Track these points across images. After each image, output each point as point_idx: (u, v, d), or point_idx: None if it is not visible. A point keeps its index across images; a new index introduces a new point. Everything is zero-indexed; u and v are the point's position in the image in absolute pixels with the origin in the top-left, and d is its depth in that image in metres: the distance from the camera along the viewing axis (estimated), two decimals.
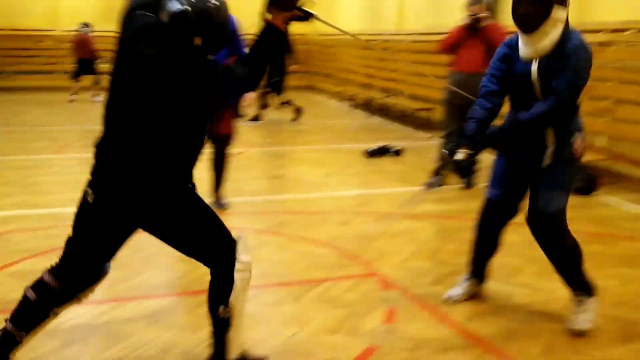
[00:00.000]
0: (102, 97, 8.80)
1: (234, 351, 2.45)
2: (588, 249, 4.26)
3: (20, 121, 10.28)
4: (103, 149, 2.33)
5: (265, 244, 4.46)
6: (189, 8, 2.14)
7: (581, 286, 3.16)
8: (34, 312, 2.43)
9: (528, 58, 2.94)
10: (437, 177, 6.15)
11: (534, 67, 2.92)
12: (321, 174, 6.82)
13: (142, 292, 3.60)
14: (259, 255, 4.17)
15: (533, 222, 3.10)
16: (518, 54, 3.01)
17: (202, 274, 2.74)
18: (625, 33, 6.24)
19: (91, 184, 2.35)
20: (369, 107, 12.09)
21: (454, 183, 6.11)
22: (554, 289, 3.50)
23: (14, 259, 4.11)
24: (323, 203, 5.62)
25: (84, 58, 12.77)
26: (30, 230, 4.76)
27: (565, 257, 3.12)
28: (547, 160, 3.02)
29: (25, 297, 2.44)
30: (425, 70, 10.09)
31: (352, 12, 14.57)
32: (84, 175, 2.40)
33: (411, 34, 11.27)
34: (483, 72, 5.67)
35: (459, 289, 3.51)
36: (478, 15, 5.71)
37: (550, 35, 2.86)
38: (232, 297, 2.36)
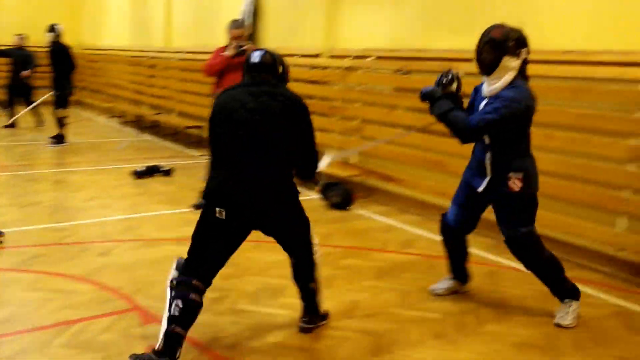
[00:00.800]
0: None
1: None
2: (344, 263, 4.63)
3: None
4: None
5: (12, 283, 4.01)
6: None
7: (567, 293, 3.69)
8: (195, 312, 3.00)
9: (486, 95, 3.51)
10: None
11: (484, 102, 3.50)
12: (83, 199, 6.39)
13: None
14: (4, 298, 3.76)
15: (508, 246, 3.67)
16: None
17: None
18: (367, 60, 6.81)
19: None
20: (139, 124, 11.68)
21: None
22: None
23: None
24: (83, 232, 5.24)
25: None
26: None
27: (545, 270, 3.67)
28: (483, 186, 3.60)
29: (189, 301, 2.97)
30: (193, 88, 10.05)
31: (122, 28, 14.01)
32: None
33: (179, 52, 11.12)
34: None
35: (443, 284, 4.05)
36: (243, 47, 5.88)
37: (502, 80, 3.40)
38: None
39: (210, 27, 9.94)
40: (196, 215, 3.26)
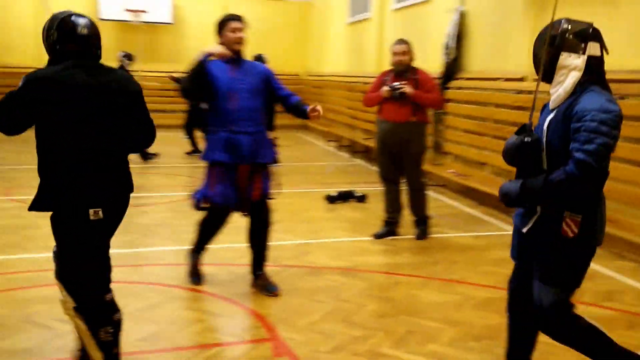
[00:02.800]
0: None
1: None
2: None
3: None
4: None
5: (169, 299, 4.23)
6: None
7: None
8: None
9: (552, 107, 2.70)
10: (387, 228, 5.91)
11: (550, 117, 2.66)
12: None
13: None
14: (157, 314, 3.95)
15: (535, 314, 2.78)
16: None
17: None
18: None
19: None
20: (352, 148, 11.94)
21: (407, 234, 5.90)
22: None
23: None
24: None
25: None
26: None
27: (581, 346, 2.76)
28: (528, 225, 2.71)
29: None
30: None
31: (340, 54, 14.64)
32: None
33: None
34: (412, 121, 5.57)
35: None
36: (399, 89, 5.57)
37: (564, 85, 2.62)
38: None
39: (420, 50, 9.77)
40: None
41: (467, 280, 4.73)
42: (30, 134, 2.92)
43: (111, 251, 3.02)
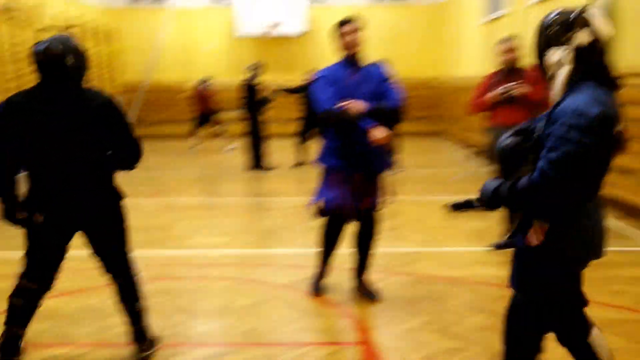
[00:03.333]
0: (234, 146, 9.34)
1: None
2: None
3: (146, 166, 11.28)
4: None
5: (275, 299, 4.43)
6: None
7: None
8: (26, 311, 3.31)
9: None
10: (509, 238, 5.68)
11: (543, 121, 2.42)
12: (388, 227, 6.62)
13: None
14: (260, 311, 4.17)
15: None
16: None
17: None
18: None
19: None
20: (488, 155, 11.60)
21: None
22: None
23: None
24: None
25: (204, 112, 13.70)
26: (75, 270, 5.15)
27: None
28: (504, 238, 2.61)
29: (13, 305, 3.28)
30: None
31: (474, 57, 14.28)
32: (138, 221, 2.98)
33: None
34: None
35: None
36: (510, 92, 5.26)
37: (556, 85, 2.39)
38: (140, 293, 3.51)
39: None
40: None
41: (593, 299, 4.44)
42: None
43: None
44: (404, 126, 11.38)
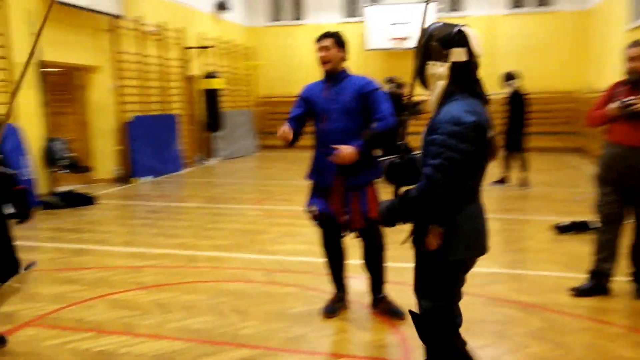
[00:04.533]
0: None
1: None
2: None
3: (261, 175, 11.83)
4: None
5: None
6: None
7: None
8: None
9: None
10: (593, 281, 4.82)
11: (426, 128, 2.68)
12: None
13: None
14: (313, 320, 4.23)
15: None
16: None
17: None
18: None
19: None
20: None
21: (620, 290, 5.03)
22: None
23: (120, 289, 4.92)
24: None
25: None
26: (161, 268, 5.58)
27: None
28: (405, 239, 2.77)
29: None
30: None
31: (619, 68, 13.18)
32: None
33: None
34: None
35: None
36: (635, 106, 4.41)
37: (434, 96, 2.64)
38: None
39: None
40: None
41: None
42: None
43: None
44: (537, 142, 10.89)
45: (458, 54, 2.54)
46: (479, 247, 2.69)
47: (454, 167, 2.43)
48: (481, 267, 5.44)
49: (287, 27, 17.91)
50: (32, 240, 6.76)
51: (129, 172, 11.36)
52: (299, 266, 5.51)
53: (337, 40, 4.08)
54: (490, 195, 9.74)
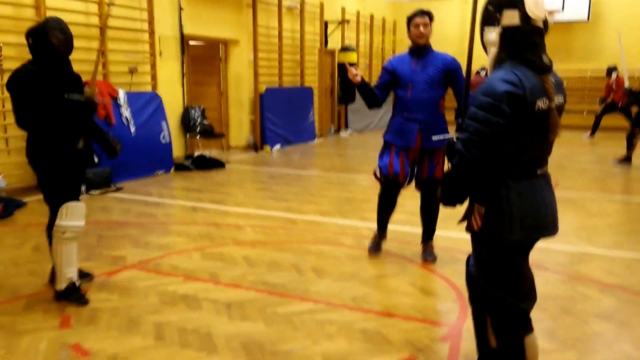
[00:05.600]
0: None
1: None
2: None
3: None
4: None
5: (403, 273, 4.60)
6: None
7: None
8: None
9: None
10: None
11: None
12: (577, 226, 6.10)
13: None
14: (384, 282, 4.39)
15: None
16: None
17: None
18: None
19: None
20: None
21: None
22: None
23: (218, 244, 5.39)
24: (558, 258, 5.08)
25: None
26: (260, 227, 6.00)
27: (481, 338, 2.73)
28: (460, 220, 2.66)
29: None
30: None
31: None
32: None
33: None
34: None
35: None
36: None
37: (488, 62, 2.48)
38: None
39: None
40: None
41: None
42: None
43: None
44: None
45: (509, 17, 2.36)
46: (538, 227, 2.47)
47: (482, 141, 2.31)
48: (575, 245, 5.29)
49: (433, 1, 17.64)
50: (159, 196, 7.53)
51: (261, 140, 12.03)
52: (391, 234, 5.63)
53: (431, 17, 4.63)
54: (613, 174, 9.19)
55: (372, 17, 16.46)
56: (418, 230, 5.15)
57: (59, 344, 3.43)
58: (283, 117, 12.52)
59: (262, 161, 10.89)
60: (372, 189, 7.90)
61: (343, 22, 14.62)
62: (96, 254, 5.12)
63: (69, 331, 3.60)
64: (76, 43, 4.11)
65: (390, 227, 5.18)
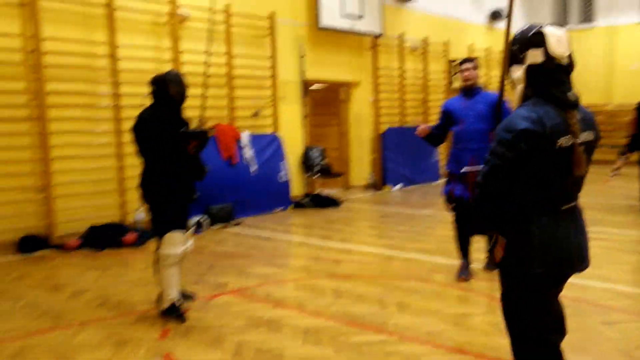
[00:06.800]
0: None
1: None
2: None
3: None
4: None
5: (487, 310, 4.69)
6: None
7: None
8: None
9: None
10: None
11: None
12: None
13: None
14: (467, 322, 4.54)
15: None
16: None
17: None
18: None
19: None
20: None
21: None
22: None
23: (314, 276, 5.78)
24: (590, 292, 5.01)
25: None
26: (357, 262, 6.31)
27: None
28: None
29: None
30: None
31: None
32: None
33: None
34: None
35: None
36: None
37: (515, 99, 2.60)
38: None
39: None
40: None
41: None
42: None
43: None
44: None
45: (533, 56, 2.46)
46: (561, 261, 2.52)
47: (498, 175, 2.43)
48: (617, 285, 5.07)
49: (575, 32, 17.23)
50: (272, 231, 8.11)
51: (382, 179, 12.38)
52: (486, 274, 5.70)
53: (475, 64, 5.58)
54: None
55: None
56: None
57: (154, 352, 3.98)
58: (406, 157, 12.78)
59: (380, 200, 11.21)
60: None
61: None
62: (204, 280, 5.73)
63: (165, 342, 4.15)
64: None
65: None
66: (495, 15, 15.93)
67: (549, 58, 2.45)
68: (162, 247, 4.56)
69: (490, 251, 2.68)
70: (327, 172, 11.07)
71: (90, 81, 7.96)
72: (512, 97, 2.70)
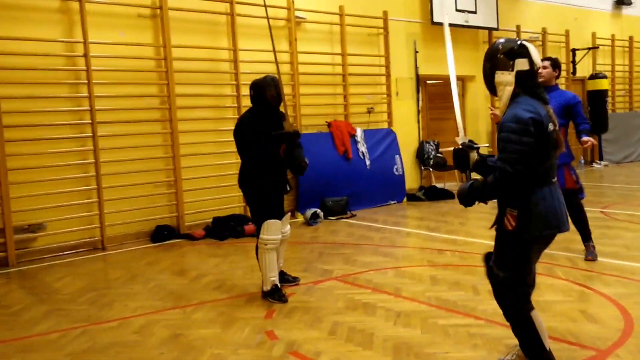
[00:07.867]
0: None
1: None
2: None
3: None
4: None
5: (581, 301, 4.74)
6: None
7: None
8: None
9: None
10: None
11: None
12: None
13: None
14: (549, 307, 4.64)
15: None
16: None
17: None
18: None
19: None
20: None
21: None
22: None
23: (414, 264, 6.04)
24: None
25: None
26: (459, 252, 6.49)
27: (521, 329, 3.35)
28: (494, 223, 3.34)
29: None
30: None
31: None
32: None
33: None
34: None
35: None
36: None
37: (502, 99, 3.19)
38: None
39: None
40: None
41: None
42: None
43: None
44: None
45: (521, 64, 3.14)
46: (555, 224, 3.17)
47: (519, 157, 2.99)
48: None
49: None
50: (382, 223, 8.44)
51: None
52: (592, 265, 5.68)
53: (553, 63, 5.89)
54: None
55: (631, 39, 15.49)
56: (615, 263, 5.16)
57: (258, 330, 4.46)
58: None
59: None
60: (601, 222, 7.75)
61: (593, 48, 14.11)
62: (312, 267, 6.18)
63: (269, 321, 4.63)
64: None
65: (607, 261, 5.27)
66: (620, 1, 15.09)
67: (532, 65, 3.14)
68: (263, 233, 5.05)
69: (499, 222, 3.25)
70: (441, 166, 11.18)
71: (215, 84, 8.71)
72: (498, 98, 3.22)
